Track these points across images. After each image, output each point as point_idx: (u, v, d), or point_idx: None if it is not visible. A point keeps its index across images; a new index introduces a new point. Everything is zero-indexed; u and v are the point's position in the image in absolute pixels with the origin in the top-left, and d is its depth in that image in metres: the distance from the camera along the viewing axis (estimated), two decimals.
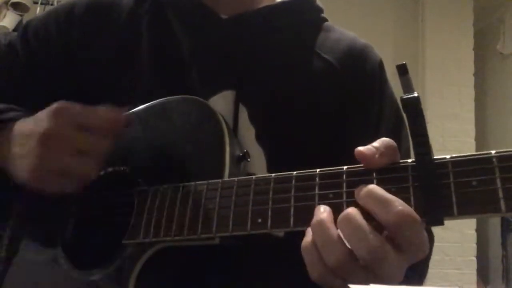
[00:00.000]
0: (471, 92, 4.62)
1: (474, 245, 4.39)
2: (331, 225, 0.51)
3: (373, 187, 0.51)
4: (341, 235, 0.50)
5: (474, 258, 4.37)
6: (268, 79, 0.79)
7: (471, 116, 4.58)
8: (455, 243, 4.26)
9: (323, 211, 0.52)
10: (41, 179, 0.64)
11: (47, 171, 0.64)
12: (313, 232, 0.52)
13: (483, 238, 4.66)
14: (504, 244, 4.52)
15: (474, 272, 4.36)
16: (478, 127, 4.60)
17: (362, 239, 0.48)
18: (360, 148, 0.53)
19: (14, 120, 0.71)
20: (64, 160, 0.63)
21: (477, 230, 4.41)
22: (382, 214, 0.49)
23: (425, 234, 0.50)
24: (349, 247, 0.49)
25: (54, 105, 0.65)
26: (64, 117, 0.64)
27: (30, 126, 0.67)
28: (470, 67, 4.65)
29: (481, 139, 4.70)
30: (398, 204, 0.49)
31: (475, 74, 4.67)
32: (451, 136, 4.43)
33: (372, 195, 0.51)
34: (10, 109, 0.75)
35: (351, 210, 0.51)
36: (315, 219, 0.52)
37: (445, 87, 4.57)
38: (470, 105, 4.60)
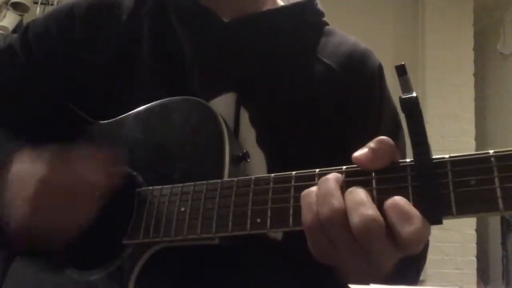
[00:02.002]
0: (471, 92, 4.62)
1: (474, 245, 4.39)
2: (333, 180, 0.53)
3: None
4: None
5: (474, 258, 4.37)
6: (269, 82, 0.80)
7: (471, 116, 4.58)
8: (455, 243, 4.26)
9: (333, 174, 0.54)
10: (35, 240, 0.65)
11: (43, 218, 0.64)
12: (317, 187, 0.54)
13: (483, 238, 4.66)
14: (504, 244, 4.51)
15: (474, 272, 4.35)
16: (478, 127, 4.60)
17: (359, 207, 0.50)
18: (356, 154, 0.54)
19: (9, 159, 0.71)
20: (61, 207, 0.64)
21: (477, 230, 4.41)
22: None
23: (424, 229, 0.50)
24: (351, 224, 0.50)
25: (52, 151, 0.66)
26: (61, 165, 0.65)
27: (27, 172, 0.67)
28: (470, 67, 4.65)
29: (481, 139, 4.70)
30: (399, 199, 0.50)
31: (475, 74, 4.67)
32: (451, 136, 4.43)
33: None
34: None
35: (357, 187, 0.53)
36: (323, 177, 0.54)
37: (445, 87, 4.56)
38: (470, 105, 4.59)
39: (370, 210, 0.49)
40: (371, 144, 0.54)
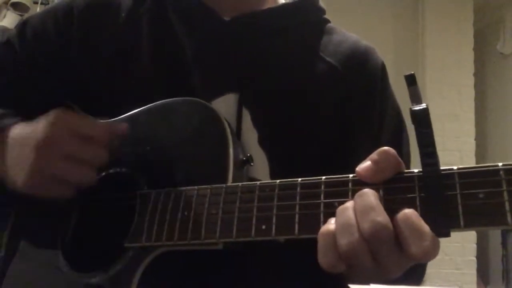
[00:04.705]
0: (471, 92, 4.62)
1: (474, 245, 4.39)
2: (352, 210, 0.52)
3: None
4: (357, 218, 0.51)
5: (474, 258, 4.38)
6: (271, 81, 0.79)
7: (471, 116, 4.58)
8: (455, 243, 4.26)
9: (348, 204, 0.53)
10: (37, 186, 0.65)
11: (42, 178, 0.65)
12: (336, 216, 0.53)
13: (483, 238, 4.66)
14: (504, 244, 4.51)
15: (474, 272, 4.36)
16: (478, 127, 4.60)
17: (369, 212, 0.50)
18: (358, 169, 0.54)
19: (8, 126, 0.71)
20: (59, 167, 0.64)
21: (477, 230, 4.40)
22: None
23: (434, 241, 0.49)
24: (361, 228, 0.50)
25: (51, 113, 0.66)
26: (60, 125, 0.65)
27: (25, 134, 0.68)
28: (470, 67, 4.65)
29: (481, 139, 4.69)
30: (408, 211, 0.50)
31: (475, 74, 4.67)
32: (451, 136, 4.42)
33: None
34: (4, 115, 0.75)
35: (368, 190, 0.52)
36: (341, 206, 0.53)
37: (445, 87, 4.56)
38: (470, 105, 4.59)
39: (379, 211, 0.50)
40: (374, 155, 0.54)
